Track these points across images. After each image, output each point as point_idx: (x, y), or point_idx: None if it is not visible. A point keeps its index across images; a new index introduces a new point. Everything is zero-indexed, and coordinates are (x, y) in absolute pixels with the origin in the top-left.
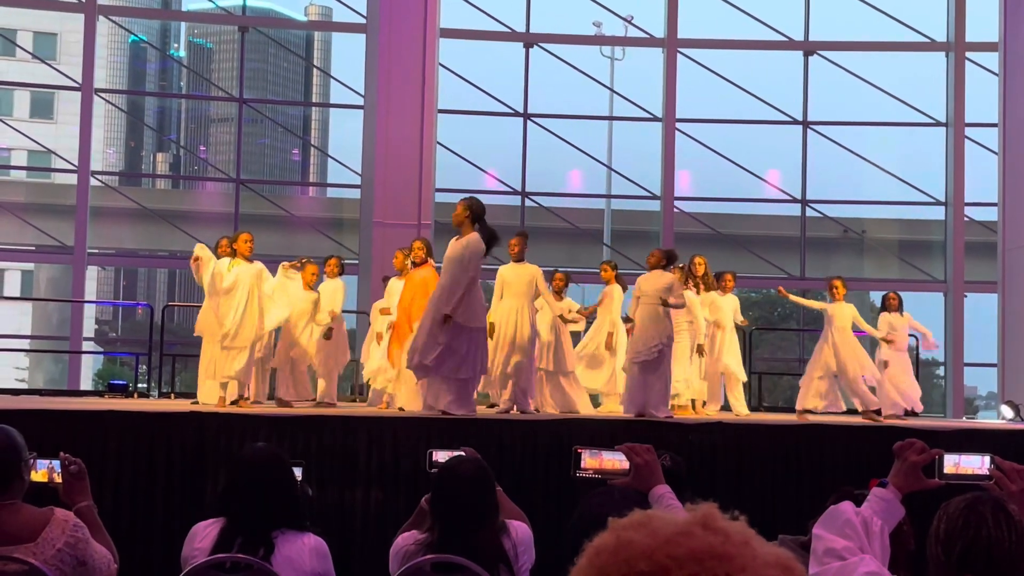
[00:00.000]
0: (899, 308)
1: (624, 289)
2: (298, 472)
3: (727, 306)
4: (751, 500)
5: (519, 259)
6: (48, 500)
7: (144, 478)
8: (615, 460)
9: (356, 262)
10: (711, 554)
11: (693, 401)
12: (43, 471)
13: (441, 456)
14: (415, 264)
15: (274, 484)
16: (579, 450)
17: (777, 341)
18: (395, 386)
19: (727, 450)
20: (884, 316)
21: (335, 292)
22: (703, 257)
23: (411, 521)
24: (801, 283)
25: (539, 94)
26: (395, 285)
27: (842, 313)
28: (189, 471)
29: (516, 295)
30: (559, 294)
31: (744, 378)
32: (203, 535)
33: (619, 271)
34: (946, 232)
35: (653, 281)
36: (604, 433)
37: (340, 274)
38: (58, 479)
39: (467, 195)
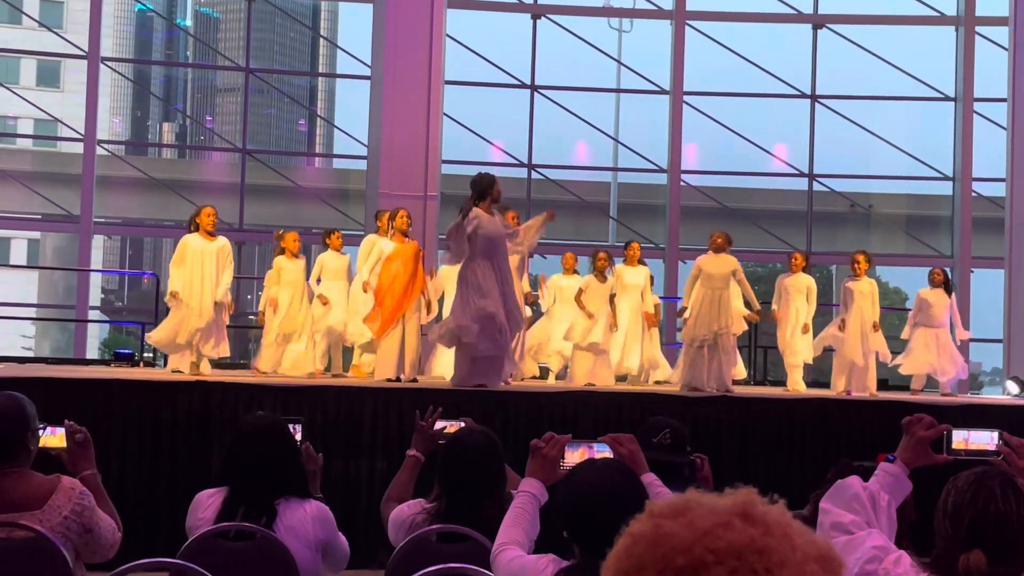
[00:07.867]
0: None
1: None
2: (298, 430)
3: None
4: (753, 473)
5: None
6: (54, 468)
7: (149, 447)
8: (603, 454)
9: (362, 233)
10: (751, 548)
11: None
12: (61, 434)
13: (437, 426)
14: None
15: (275, 452)
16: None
17: None
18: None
19: (730, 424)
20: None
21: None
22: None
23: (400, 479)
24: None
25: (546, 66)
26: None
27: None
28: (194, 440)
29: None
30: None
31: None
32: (206, 505)
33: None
34: (953, 207)
35: (719, 264)
36: (610, 405)
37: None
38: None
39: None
